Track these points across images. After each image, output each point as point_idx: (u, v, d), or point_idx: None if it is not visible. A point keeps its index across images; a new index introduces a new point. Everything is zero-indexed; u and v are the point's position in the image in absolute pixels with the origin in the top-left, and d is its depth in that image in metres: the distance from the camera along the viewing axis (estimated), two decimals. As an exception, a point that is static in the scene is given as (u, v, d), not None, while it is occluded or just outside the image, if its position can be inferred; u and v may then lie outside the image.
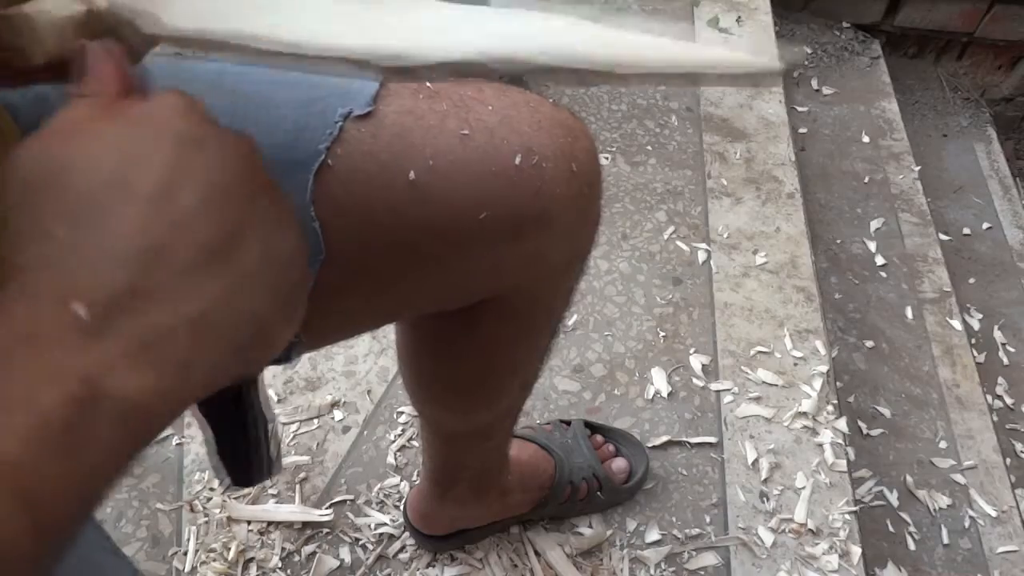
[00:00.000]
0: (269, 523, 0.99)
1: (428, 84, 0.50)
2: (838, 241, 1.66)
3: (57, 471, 0.24)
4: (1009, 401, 1.53)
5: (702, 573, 1.00)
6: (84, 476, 0.25)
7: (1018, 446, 1.47)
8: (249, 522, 0.99)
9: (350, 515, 1.01)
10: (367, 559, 0.98)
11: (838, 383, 1.30)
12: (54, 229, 0.27)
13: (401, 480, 1.04)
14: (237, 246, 0.28)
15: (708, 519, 1.04)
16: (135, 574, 0.53)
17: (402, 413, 1.11)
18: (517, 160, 0.48)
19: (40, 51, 0.33)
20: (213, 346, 0.27)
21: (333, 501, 1.02)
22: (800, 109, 1.93)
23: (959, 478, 1.30)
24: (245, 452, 0.38)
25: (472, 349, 0.62)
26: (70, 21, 0.33)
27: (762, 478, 1.08)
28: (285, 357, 0.54)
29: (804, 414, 1.14)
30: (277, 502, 1.01)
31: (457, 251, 0.50)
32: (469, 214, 0.48)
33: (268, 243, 0.29)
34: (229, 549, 0.96)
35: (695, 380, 1.18)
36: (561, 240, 0.53)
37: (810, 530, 1.03)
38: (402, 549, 0.99)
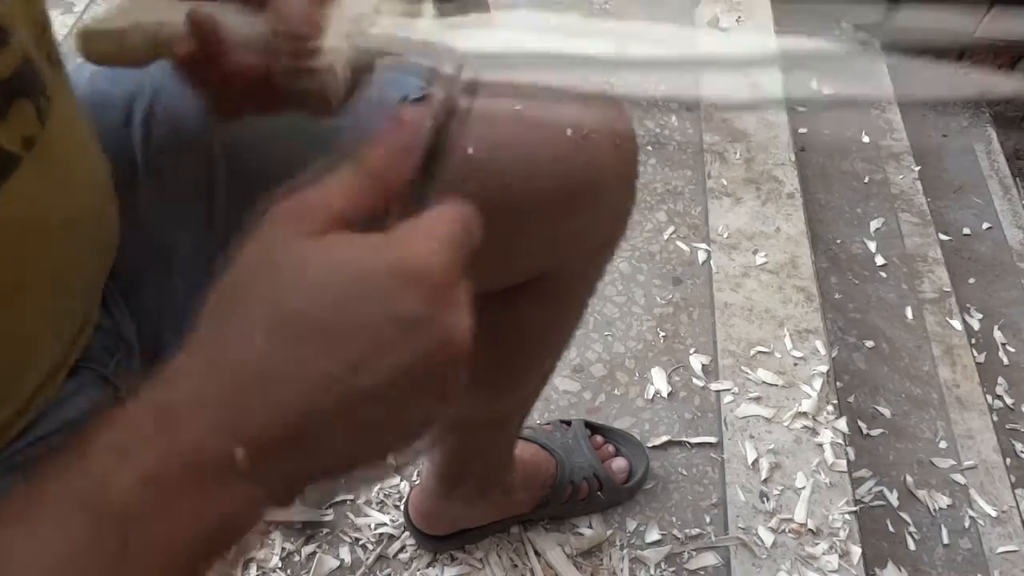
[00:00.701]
0: (269, 523, 0.99)
1: None
2: (838, 241, 1.66)
3: None
4: (1009, 401, 1.53)
5: (702, 573, 1.00)
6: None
7: (1018, 446, 1.47)
8: (249, 522, 0.99)
9: (350, 515, 1.01)
10: (367, 559, 0.97)
11: (838, 383, 1.30)
12: (255, 334, 0.27)
13: (401, 480, 1.04)
14: (394, 421, 0.28)
15: (708, 519, 1.04)
16: None
17: (402, 413, 1.11)
18: (569, 132, 0.49)
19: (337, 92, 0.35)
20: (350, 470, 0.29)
21: (333, 501, 1.02)
22: (800, 109, 1.93)
23: (959, 478, 1.30)
24: None
25: (505, 332, 0.62)
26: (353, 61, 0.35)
27: (762, 478, 1.08)
28: None
29: (804, 414, 1.14)
30: (277, 502, 1.01)
31: (515, 224, 0.51)
32: (526, 186, 0.50)
33: (417, 423, 0.30)
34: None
35: (695, 380, 1.18)
36: (607, 214, 0.56)
37: (810, 530, 1.03)
38: (402, 549, 0.99)
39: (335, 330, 0.26)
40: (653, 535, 1.02)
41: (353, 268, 0.27)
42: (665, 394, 1.15)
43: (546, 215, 0.51)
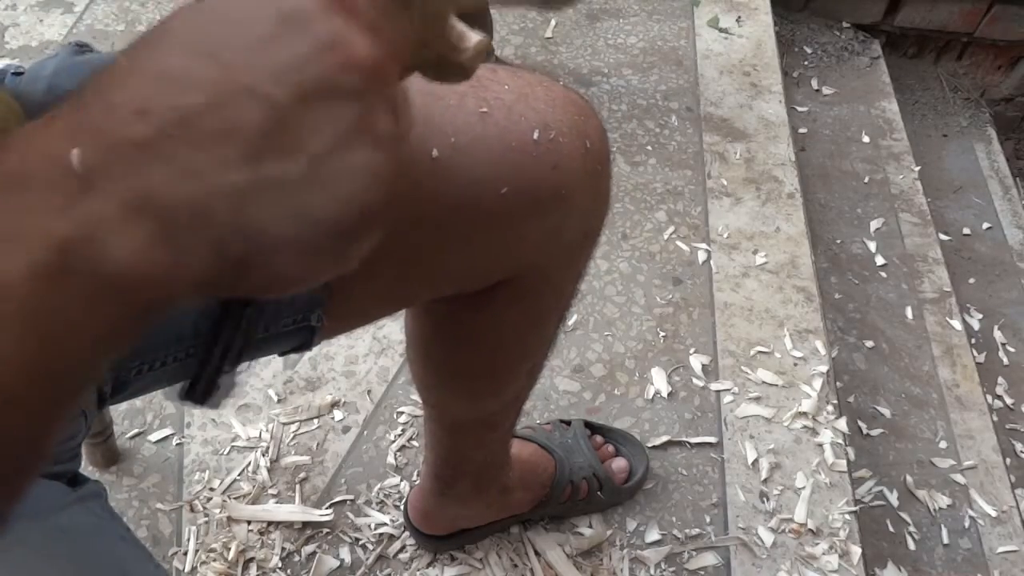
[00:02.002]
0: (269, 523, 0.99)
1: None
2: (838, 241, 1.66)
3: (21, 346, 0.22)
4: (1009, 401, 1.53)
5: (702, 573, 1.00)
6: (56, 351, 0.22)
7: (1018, 446, 1.47)
8: (249, 522, 0.99)
9: (350, 515, 1.01)
10: (367, 559, 0.98)
11: (838, 383, 1.30)
12: (120, 58, 0.24)
13: (401, 480, 1.04)
14: (289, 150, 0.23)
15: (708, 519, 1.04)
16: (156, 567, 0.54)
17: (402, 413, 1.11)
18: (535, 135, 0.49)
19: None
20: (214, 245, 0.23)
21: (333, 501, 1.02)
22: (800, 109, 1.93)
23: (959, 478, 1.30)
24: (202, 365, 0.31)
25: (484, 332, 0.62)
26: None
27: (762, 478, 1.08)
28: (306, 344, 0.54)
29: (804, 414, 1.14)
30: (277, 502, 1.01)
31: (480, 228, 0.51)
32: (491, 189, 0.49)
33: (345, 157, 0.24)
34: (229, 549, 0.96)
35: (695, 380, 1.18)
36: (576, 217, 0.55)
37: (810, 530, 1.03)
38: (402, 549, 0.99)
39: (204, 29, 0.23)
40: (653, 535, 1.02)
41: None
42: (665, 394, 1.15)
43: (513, 218, 0.51)
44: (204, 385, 0.31)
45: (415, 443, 1.08)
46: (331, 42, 0.24)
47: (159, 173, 0.22)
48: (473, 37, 0.32)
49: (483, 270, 0.56)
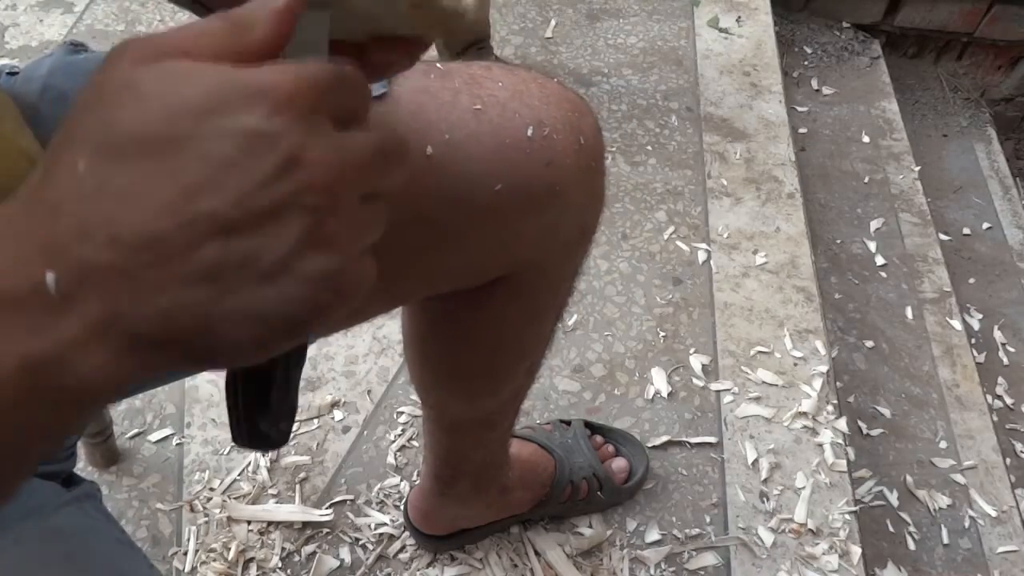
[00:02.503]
0: (269, 523, 0.99)
1: (438, 64, 0.51)
2: (838, 241, 1.66)
3: None
4: (1009, 401, 1.53)
5: (702, 573, 1.00)
6: (9, 452, 0.24)
7: (1018, 446, 1.47)
8: (249, 522, 0.99)
9: (350, 515, 1.01)
10: (367, 559, 0.98)
11: (838, 383, 1.30)
12: (78, 160, 0.24)
13: (401, 480, 1.04)
14: (246, 266, 0.25)
15: (708, 519, 1.04)
16: (149, 566, 0.54)
17: (402, 413, 1.11)
18: (529, 132, 0.49)
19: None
20: (177, 351, 0.25)
21: (333, 501, 1.02)
22: (800, 109, 1.93)
23: (959, 478, 1.30)
24: (252, 410, 0.33)
25: (481, 330, 0.62)
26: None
27: (762, 478, 1.08)
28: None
29: (804, 414, 1.14)
30: (277, 502, 1.01)
31: (475, 224, 0.51)
32: (485, 186, 0.49)
33: (297, 267, 0.25)
34: (229, 549, 0.96)
35: (695, 380, 1.18)
36: (571, 213, 0.55)
37: (810, 530, 1.03)
38: (402, 549, 0.99)
39: (165, 147, 0.24)
40: (653, 535, 1.02)
41: (185, 79, 0.24)
42: (665, 394, 1.15)
43: (507, 214, 0.51)
44: (247, 436, 0.33)
45: (415, 443, 1.08)
46: (292, 163, 0.24)
47: (125, 294, 0.24)
48: None
49: (479, 267, 0.56)
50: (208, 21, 0.26)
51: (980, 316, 1.68)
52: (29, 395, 0.23)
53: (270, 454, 1.05)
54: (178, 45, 0.26)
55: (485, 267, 0.56)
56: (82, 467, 1.03)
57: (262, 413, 0.32)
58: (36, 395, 0.24)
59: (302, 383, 1.13)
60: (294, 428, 1.08)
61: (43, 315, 0.23)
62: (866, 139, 1.88)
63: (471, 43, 1.48)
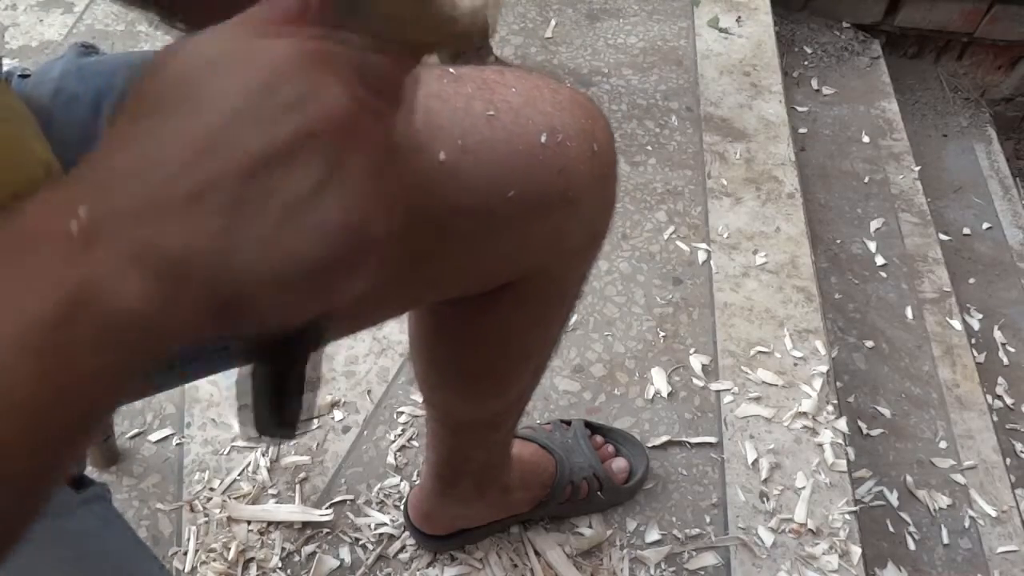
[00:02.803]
0: (269, 523, 0.99)
1: (451, 69, 0.51)
2: (838, 241, 1.66)
3: (45, 381, 0.24)
4: (1009, 401, 1.53)
5: (702, 573, 1.00)
6: (74, 384, 0.24)
7: (1018, 446, 1.47)
8: (249, 522, 0.99)
9: (350, 515, 1.01)
10: (367, 559, 0.98)
11: (838, 383, 1.30)
12: (123, 118, 0.26)
13: (401, 480, 1.04)
14: (270, 198, 0.25)
15: (708, 519, 1.04)
16: (160, 567, 0.54)
17: (402, 413, 1.11)
18: (542, 139, 0.49)
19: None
20: (205, 286, 0.26)
21: (333, 501, 1.02)
22: (800, 109, 1.93)
23: (959, 478, 1.30)
24: (277, 396, 0.33)
25: (488, 334, 0.62)
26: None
27: (762, 478, 1.08)
28: None
29: (804, 414, 1.14)
30: (277, 502, 1.01)
31: (486, 230, 0.51)
32: (498, 192, 0.49)
33: (317, 203, 0.26)
34: (229, 549, 0.96)
35: (695, 380, 1.18)
36: (583, 220, 0.55)
37: (810, 530, 1.03)
38: (402, 549, 0.99)
39: (191, 92, 0.26)
40: (653, 535, 1.02)
41: (213, 40, 0.27)
42: (665, 394, 1.15)
43: (519, 220, 0.51)
44: (268, 423, 0.33)
45: (415, 443, 1.08)
46: (303, 100, 0.26)
47: (153, 227, 0.25)
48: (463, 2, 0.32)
49: (488, 273, 0.56)
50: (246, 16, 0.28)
51: (980, 316, 1.68)
52: (74, 324, 0.24)
53: (270, 453, 1.05)
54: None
55: (495, 273, 0.56)
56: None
57: (283, 399, 0.32)
58: (81, 328, 0.24)
59: (302, 383, 1.13)
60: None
61: (78, 248, 0.24)
62: (866, 139, 1.88)
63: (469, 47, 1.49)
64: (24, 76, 0.50)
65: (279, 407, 0.32)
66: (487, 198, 0.49)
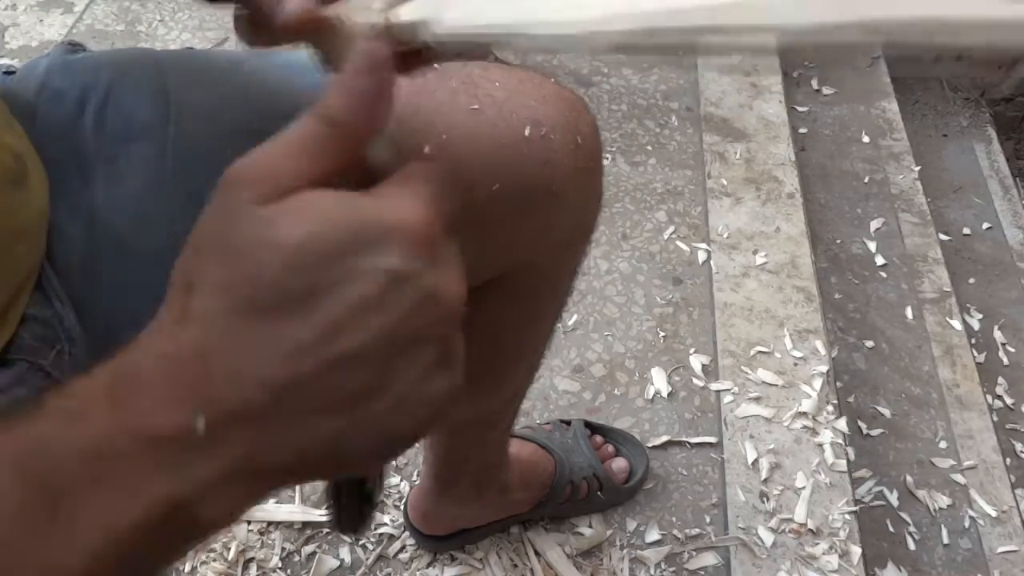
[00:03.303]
0: (269, 523, 0.99)
1: (435, 64, 0.51)
2: (838, 241, 1.66)
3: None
4: (1009, 401, 1.53)
5: (702, 573, 1.00)
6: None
7: (1018, 446, 1.47)
8: (249, 522, 0.99)
9: (350, 515, 1.01)
10: (367, 559, 0.97)
11: (838, 383, 1.30)
12: (224, 307, 0.24)
13: (401, 480, 1.04)
14: (381, 394, 0.25)
15: (708, 519, 1.04)
16: None
17: (402, 413, 1.11)
18: (526, 132, 0.49)
19: (346, 53, 0.33)
20: (308, 471, 0.26)
21: (361, 519, 1.02)
22: (800, 109, 1.93)
23: (959, 478, 1.29)
24: (348, 501, 0.37)
25: (479, 332, 0.62)
26: (372, 30, 0.33)
27: (762, 478, 1.08)
28: None
29: (804, 414, 1.14)
30: (277, 502, 1.01)
31: (471, 225, 0.51)
32: (483, 186, 0.49)
33: (417, 396, 0.26)
34: (229, 549, 0.96)
35: (695, 380, 1.18)
36: (568, 213, 0.55)
37: (810, 530, 1.03)
38: (402, 549, 0.99)
39: (309, 294, 0.24)
40: (653, 535, 1.02)
41: (319, 224, 0.25)
42: (665, 394, 1.15)
43: (504, 214, 0.51)
44: (351, 524, 0.37)
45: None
46: (428, 299, 0.25)
47: (268, 434, 0.24)
48: None
49: (475, 267, 0.55)
50: (304, 127, 0.27)
51: (980, 316, 1.68)
52: (161, 532, 0.24)
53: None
54: (290, 166, 0.26)
55: (482, 267, 0.56)
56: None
57: (367, 501, 0.36)
58: (167, 531, 0.24)
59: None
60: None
61: (187, 456, 0.24)
62: (866, 139, 1.88)
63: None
64: (9, 73, 0.50)
65: (350, 511, 0.36)
66: (472, 192, 0.49)
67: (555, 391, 1.15)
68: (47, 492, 0.23)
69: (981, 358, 1.58)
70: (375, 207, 0.25)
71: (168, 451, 0.24)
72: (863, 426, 1.35)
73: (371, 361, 0.25)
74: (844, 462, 1.10)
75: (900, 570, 1.18)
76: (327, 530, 1.00)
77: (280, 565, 0.96)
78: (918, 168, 1.85)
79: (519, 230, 0.53)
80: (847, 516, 1.05)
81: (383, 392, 0.25)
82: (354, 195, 0.26)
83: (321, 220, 0.25)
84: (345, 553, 0.98)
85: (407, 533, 0.99)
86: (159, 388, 0.24)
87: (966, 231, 1.89)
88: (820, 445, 1.12)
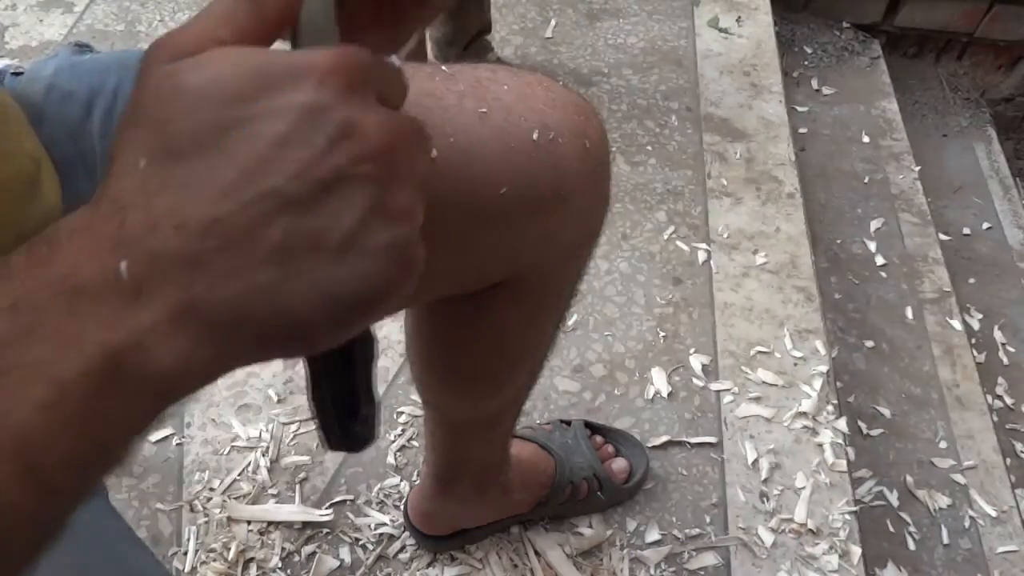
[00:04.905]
0: (269, 523, 0.99)
1: (443, 67, 0.51)
2: (838, 241, 1.66)
3: (68, 443, 0.23)
4: (1009, 401, 1.53)
5: (702, 573, 1.00)
6: (96, 446, 0.24)
7: (1018, 446, 1.47)
8: (249, 522, 0.99)
9: (350, 515, 1.01)
10: (367, 559, 0.98)
11: (838, 383, 1.30)
12: (139, 159, 0.25)
13: (401, 480, 1.04)
14: (317, 241, 0.25)
15: (708, 519, 1.04)
16: (156, 563, 0.54)
17: (402, 413, 1.11)
18: (534, 136, 0.49)
19: None
20: (253, 336, 0.25)
21: (333, 501, 1.02)
22: (800, 109, 1.93)
23: (959, 478, 1.30)
24: (342, 412, 0.34)
25: (484, 333, 0.62)
26: None
27: (762, 478, 1.08)
28: None
29: (804, 414, 1.14)
30: (277, 502, 1.01)
31: (479, 228, 0.51)
32: (490, 190, 0.49)
33: (359, 247, 0.25)
34: (229, 549, 0.96)
35: (695, 380, 1.18)
36: (576, 217, 0.55)
37: (810, 530, 1.03)
38: (402, 549, 0.99)
39: (220, 135, 0.24)
40: (653, 535, 1.02)
41: (225, 67, 0.25)
42: (665, 394, 1.15)
43: (511, 219, 0.51)
44: (342, 440, 0.33)
45: (415, 443, 1.08)
46: (346, 133, 0.25)
47: (199, 280, 0.24)
48: None
49: (482, 270, 0.56)
50: (221, 3, 0.27)
51: (980, 316, 1.68)
52: (111, 385, 0.24)
53: (270, 454, 1.05)
54: (205, 33, 0.26)
55: (489, 271, 0.56)
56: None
57: (352, 414, 0.33)
58: (118, 385, 0.24)
59: (302, 383, 1.13)
60: (294, 428, 1.08)
61: (121, 305, 0.24)
62: (866, 139, 1.88)
63: (474, 36, 1.49)
64: (17, 74, 0.50)
65: (341, 423, 0.33)
66: (480, 195, 0.49)
67: (555, 391, 1.15)
68: None
69: (981, 358, 1.58)
70: (284, 54, 0.25)
71: (95, 300, 0.24)
72: (863, 426, 1.35)
73: (294, 202, 0.24)
74: (844, 462, 1.10)
75: (900, 570, 1.18)
76: (327, 530, 1.00)
77: (280, 565, 0.96)
78: (918, 168, 1.85)
79: (526, 233, 0.53)
80: (847, 516, 1.05)
81: (316, 239, 0.25)
82: (264, 48, 0.26)
83: (226, 64, 0.25)
84: (345, 553, 0.98)
85: (407, 533, 0.99)
86: (77, 243, 0.24)
87: (966, 231, 1.89)
88: (820, 445, 1.12)
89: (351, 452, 0.34)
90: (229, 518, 0.99)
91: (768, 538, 1.02)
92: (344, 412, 0.33)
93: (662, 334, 1.23)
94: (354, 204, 0.25)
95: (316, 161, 0.24)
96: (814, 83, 2.01)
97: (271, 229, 0.24)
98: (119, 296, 0.24)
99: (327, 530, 1.00)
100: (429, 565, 0.98)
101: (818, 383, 1.18)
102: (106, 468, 0.26)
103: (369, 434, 0.33)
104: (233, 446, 1.06)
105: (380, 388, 1.13)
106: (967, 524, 1.24)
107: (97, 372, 0.23)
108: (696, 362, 1.20)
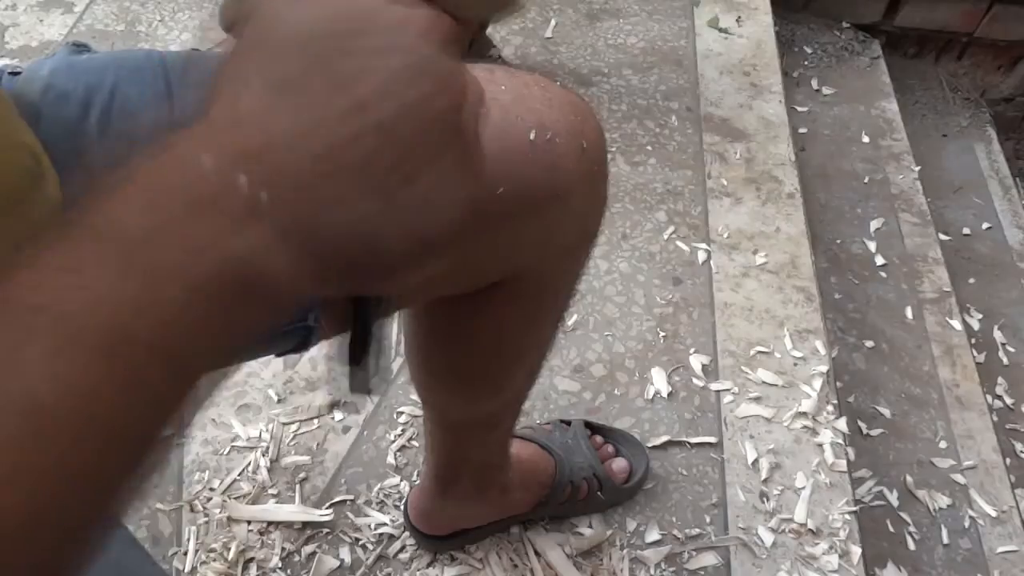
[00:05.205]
0: (269, 523, 0.99)
1: None
2: (838, 241, 1.66)
3: (196, 341, 0.25)
4: (1009, 401, 1.53)
5: (702, 573, 1.00)
6: (217, 346, 0.26)
7: (1018, 446, 1.47)
8: (249, 522, 0.99)
9: (350, 515, 1.01)
10: (367, 559, 0.98)
11: (838, 383, 1.30)
12: (257, 85, 0.27)
13: (401, 480, 1.04)
14: (412, 178, 0.27)
15: (708, 519, 1.04)
16: (153, 565, 0.54)
17: (402, 413, 1.11)
18: (532, 136, 0.49)
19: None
20: (346, 256, 0.27)
21: (333, 501, 1.02)
22: (800, 109, 1.93)
23: (959, 478, 1.30)
24: (360, 352, 0.38)
25: (482, 334, 0.62)
26: None
27: (762, 478, 1.08)
28: (304, 344, 0.54)
29: (804, 414, 1.14)
30: (277, 502, 1.01)
31: (476, 228, 0.51)
32: (487, 189, 0.49)
33: (440, 189, 0.28)
34: (229, 549, 0.97)
35: (695, 380, 1.18)
36: (573, 217, 0.55)
37: (810, 530, 1.03)
38: (402, 549, 0.99)
39: (334, 65, 0.27)
40: (653, 535, 1.02)
41: (347, 6, 0.27)
42: (665, 394, 1.15)
43: (509, 218, 0.51)
44: (360, 377, 0.38)
45: (415, 443, 1.08)
46: (448, 84, 0.28)
47: (309, 203, 0.26)
48: None
49: (479, 270, 0.56)
50: None
51: (980, 316, 1.68)
52: (227, 289, 0.25)
53: (270, 454, 1.05)
54: None
55: (486, 270, 0.56)
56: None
57: (366, 358, 0.38)
58: (231, 289, 0.25)
59: (302, 383, 1.13)
60: (294, 428, 1.08)
61: (239, 217, 0.25)
62: (866, 139, 1.88)
63: (476, 31, 1.49)
64: (15, 74, 0.50)
65: (364, 364, 0.37)
66: (476, 195, 0.49)
67: (555, 391, 1.15)
68: (116, 245, 0.24)
69: (981, 358, 1.58)
70: (389, 2, 0.28)
71: (222, 214, 0.25)
72: (863, 426, 1.35)
73: (397, 137, 0.26)
74: (844, 462, 1.10)
75: (900, 570, 1.18)
76: (327, 530, 1.00)
77: (280, 565, 0.96)
78: (918, 168, 1.85)
79: (523, 234, 0.53)
80: (847, 516, 1.05)
81: (411, 178, 0.27)
82: None
83: (341, 1, 0.28)
84: (345, 553, 0.98)
85: (407, 533, 0.99)
86: (207, 156, 0.26)
87: (966, 231, 1.89)
88: (820, 445, 1.12)
89: (369, 394, 0.38)
90: (229, 518, 0.99)
91: (768, 538, 1.02)
92: (361, 357, 0.37)
93: (662, 334, 1.23)
94: (444, 153, 0.28)
95: (419, 104, 0.27)
96: (814, 83, 2.01)
97: (377, 162, 0.26)
98: (238, 208, 0.25)
99: (327, 530, 1.00)
100: (429, 565, 0.98)
101: (818, 383, 1.18)
102: (222, 362, 0.27)
103: (387, 376, 0.37)
104: (233, 446, 1.06)
105: (380, 388, 1.13)
106: (967, 524, 1.24)
107: (215, 276, 0.25)
108: (696, 362, 1.20)
